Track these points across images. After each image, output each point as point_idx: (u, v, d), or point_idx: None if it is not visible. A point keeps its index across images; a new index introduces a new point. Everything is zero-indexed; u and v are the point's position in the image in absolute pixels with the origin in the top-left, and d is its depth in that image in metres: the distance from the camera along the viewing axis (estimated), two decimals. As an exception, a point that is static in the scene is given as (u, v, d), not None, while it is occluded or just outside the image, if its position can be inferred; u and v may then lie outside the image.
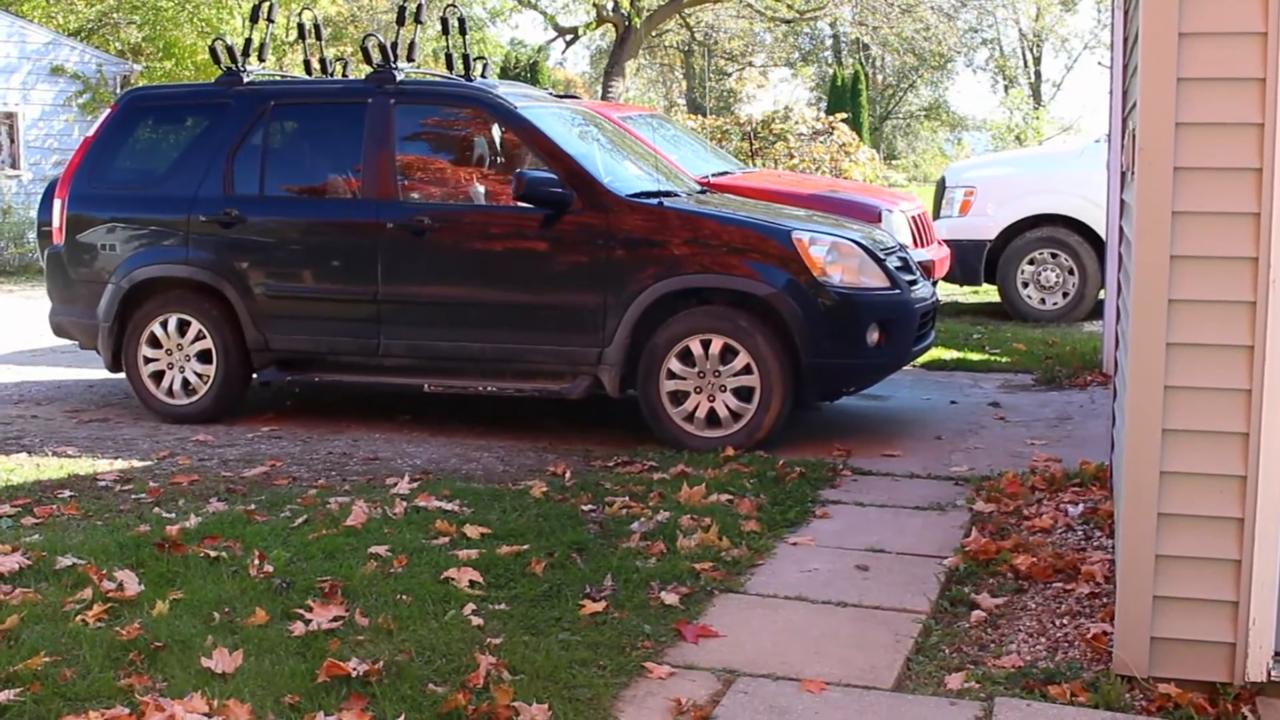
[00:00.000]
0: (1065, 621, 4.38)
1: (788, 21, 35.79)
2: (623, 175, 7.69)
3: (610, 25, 31.33)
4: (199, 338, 7.80)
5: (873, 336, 6.97)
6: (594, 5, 30.28)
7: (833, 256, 6.97)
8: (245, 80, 8.01)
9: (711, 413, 6.97)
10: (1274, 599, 3.65)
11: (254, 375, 7.88)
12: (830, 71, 44.49)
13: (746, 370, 6.90)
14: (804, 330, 6.84)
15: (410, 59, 8.04)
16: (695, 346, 6.95)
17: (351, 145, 7.66)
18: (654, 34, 34.97)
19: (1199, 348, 3.62)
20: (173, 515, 5.61)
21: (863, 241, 7.19)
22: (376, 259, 7.43)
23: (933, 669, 4.04)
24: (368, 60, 7.86)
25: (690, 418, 6.99)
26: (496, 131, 7.81)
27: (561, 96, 9.28)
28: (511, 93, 7.80)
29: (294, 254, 7.72)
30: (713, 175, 10.24)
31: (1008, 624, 4.39)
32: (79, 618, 4.32)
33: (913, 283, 7.35)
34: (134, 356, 7.92)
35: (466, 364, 7.40)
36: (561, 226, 7.15)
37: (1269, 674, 3.67)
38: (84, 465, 6.69)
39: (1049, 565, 4.84)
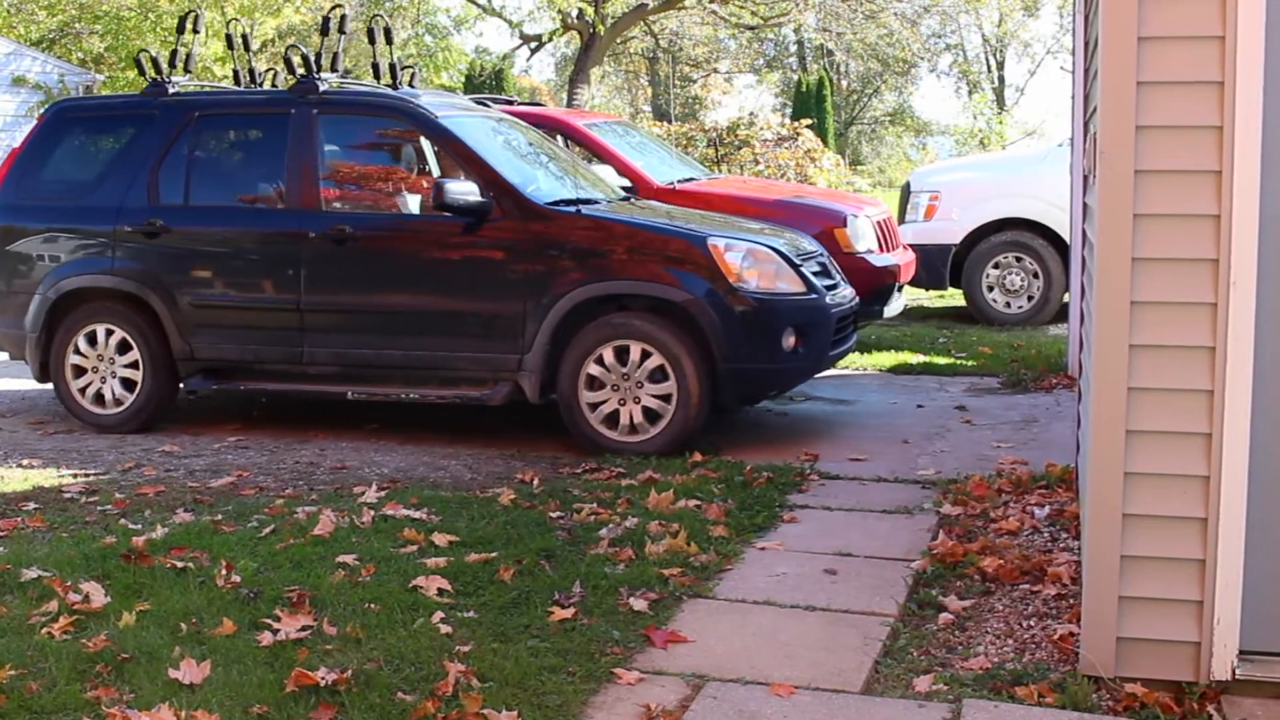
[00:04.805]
0: (1032, 623, 4.40)
1: (751, 28, 35.90)
2: (542, 183, 7.72)
3: (575, 32, 31.33)
4: (125, 348, 7.78)
5: (789, 341, 7.02)
6: (559, 13, 30.25)
7: (748, 262, 7.02)
8: (170, 91, 8.02)
9: (631, 417, 6.98)
10: (1238, 598, 3.68)
11: (180, 385, 7.87)
12: (795, 77, 44.56)
13: (664, 375, 6.92)
14: (720, 335, 6.87)
15: (334, 69, 8.08)
16: (614, 352, 6.98)
17: (275, 155, 7.72)
18: (619, 41, 35.01)
19: (1161, 349, 3.65)
20: (139, 526, 5.58)
21: (780, 248, 7.25)
22: (299, 268, 7.45)
23: (901, 671, 4.06)
24: (290, 70, 7.87)
25: (608, 422, 7.01)
26: (420, 141, 7.83)
27: (527, 104, 9.29)
28: (434, 102, 7.82)
29: (218, 263, 7.73)
30: (679, 182, 10.26)
31: (975, 626, 4.41)
32: (45, 630, 4.29)
33: (831, 287, 7.43)
34: (61, 367, 7.88)
35: (389, 371, 7.41)
36: (481, 234, 7.19)
37: (1234, 672, 3.70)
38: (49, 477, 6.64)
39: (1016, 567, 4.87)
